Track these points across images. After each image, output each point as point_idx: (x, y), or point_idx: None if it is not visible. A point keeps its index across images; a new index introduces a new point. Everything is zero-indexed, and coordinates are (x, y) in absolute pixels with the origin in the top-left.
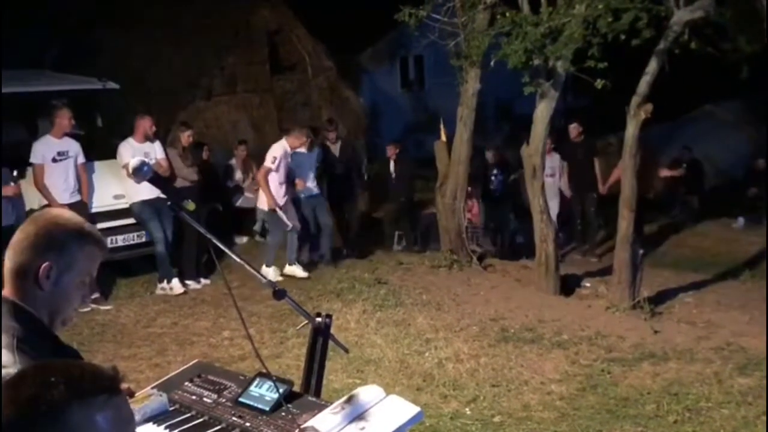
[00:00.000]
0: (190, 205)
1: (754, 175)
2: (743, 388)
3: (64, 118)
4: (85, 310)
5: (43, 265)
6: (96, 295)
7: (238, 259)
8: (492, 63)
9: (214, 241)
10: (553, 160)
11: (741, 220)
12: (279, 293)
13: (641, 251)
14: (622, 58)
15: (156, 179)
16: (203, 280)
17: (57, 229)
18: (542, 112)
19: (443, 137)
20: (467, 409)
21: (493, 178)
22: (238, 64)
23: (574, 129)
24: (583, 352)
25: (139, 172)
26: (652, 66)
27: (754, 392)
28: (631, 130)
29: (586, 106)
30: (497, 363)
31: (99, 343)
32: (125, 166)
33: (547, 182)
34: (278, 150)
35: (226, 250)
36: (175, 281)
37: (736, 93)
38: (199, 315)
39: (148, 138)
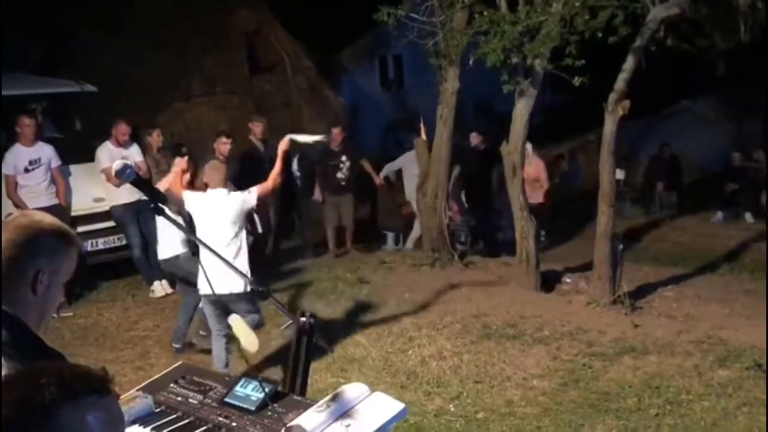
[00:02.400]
0: (173, 207)
1: (731, 170)
2: (723, 380)
3: (23, 126)
4: (68, 314)
5: (39, 270)
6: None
7: (221, 260)
8: (471, 62)
9: (198, 241)
10: None
11: (720, 215)
12: (263, 294)
13: (621, 246)
14: (599, 56)
15: (138, 181)
16: None
17: (43, 233)
18: (521, 110)
19: (423, 136)
20: (451, 405)
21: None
22: (217, 66)
23: (474, 137)
24: (564, 348)
25: (122, 175)
26: (629, 63)
27: (734, 384)
28: (609, 126)
29: (565, 104)
30: (480, 360)
31: (81, 347)
32: (104, 171)
33: (417, 181)
34: None
35: (211, 250)
36: (156, 284)
37: (713, 89)
38: None
39: (122, 143)
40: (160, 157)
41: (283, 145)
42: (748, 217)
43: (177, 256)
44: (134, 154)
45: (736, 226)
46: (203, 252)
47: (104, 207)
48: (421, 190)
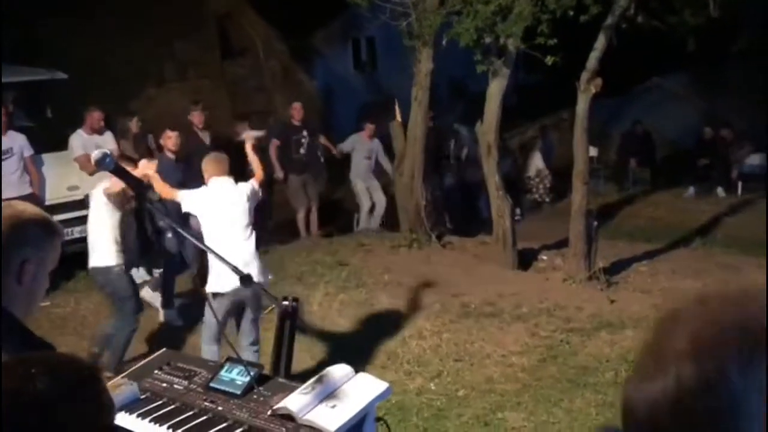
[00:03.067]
0: (155, 194)
1: (703, 145)
2: None
3: None
4: (44, 303)
5: (25, 260)
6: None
7: (201, 246)
8: (444, 42)
9: (179, 230)
10: (374, 144)
11: (692, 190)
12: (246, 279)
13: (595, 223)
14: (571, 35)
15: (118, 170)
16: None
17: (28, 223)
18: (495, 90)
19: (398, 118)
20: (432, 384)
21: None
22: (189, 50)
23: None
24: (542, 324)
25: (102, 164)
26: (601, 41)
27: None
28: (582, 104)
29: (538, 83)
30: (459, 338)
31: (60, 337)
32: (77, 159)
33: (365, 164)
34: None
35: (189, 238)
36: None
37: (683, 65)
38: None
39: (96, 130)
40: (137, 143)
41: (249, 146)
42: (720, 191)
43: (108, 268)
44: (108, 142)
45: (707, 201)
46: (216, 246)
47: (79, 195)
48: (398, 171)
